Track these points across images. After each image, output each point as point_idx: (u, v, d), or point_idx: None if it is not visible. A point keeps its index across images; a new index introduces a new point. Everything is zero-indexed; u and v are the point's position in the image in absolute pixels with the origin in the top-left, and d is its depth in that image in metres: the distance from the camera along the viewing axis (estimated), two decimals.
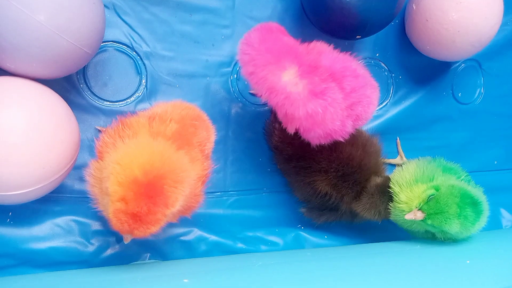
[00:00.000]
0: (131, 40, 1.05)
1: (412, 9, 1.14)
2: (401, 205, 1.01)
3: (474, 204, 0.97)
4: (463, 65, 1.31)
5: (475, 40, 1.08)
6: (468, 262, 0.91)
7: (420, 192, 0.99)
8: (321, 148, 1.01)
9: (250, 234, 1.14)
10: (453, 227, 0.96)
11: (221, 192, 1.13)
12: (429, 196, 0.97)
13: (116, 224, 0.73)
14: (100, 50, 1.03)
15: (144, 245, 1.05)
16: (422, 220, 0.98)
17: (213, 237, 1.10)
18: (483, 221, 0.99)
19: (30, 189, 0.81)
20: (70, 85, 1.01)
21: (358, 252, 1.08)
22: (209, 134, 0.95)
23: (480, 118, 1.34)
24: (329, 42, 0.97)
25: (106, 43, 1.03)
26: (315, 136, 0.91)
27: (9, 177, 0.77)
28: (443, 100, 1.30)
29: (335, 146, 1.01)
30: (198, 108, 0.98)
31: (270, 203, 1.16)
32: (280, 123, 1.06)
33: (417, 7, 1.12)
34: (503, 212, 1.36)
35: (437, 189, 0.98)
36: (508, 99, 1.36)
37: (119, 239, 1.02)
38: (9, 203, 0.83)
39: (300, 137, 1.01)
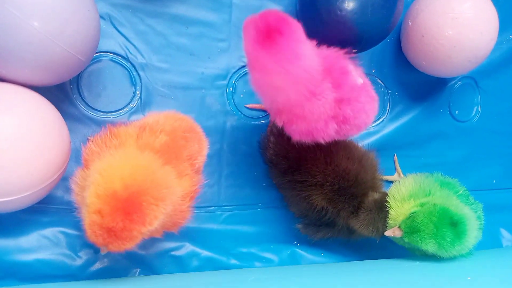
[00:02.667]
0: (127, 51, 1.05)
1: (408, 25, 1.14)
2: (391, 222, 1.00)
3: (454, 224, 0.94)
4: (459, 82, 1.31)
5: (471, 55, 1.08)
6: (469, 278, 0.88)
7: (407, 208, 0.98)
8: (317, 161, 1.00)
9: (244, 250, 1.11)
10: (429, 247, 0.94)
11: (214, 206, 1.10)
12: (411, 214, 0.96)
13: (90, 236, 0.71)
14: (95, 60, 1.02)
15: (134, 260, 1.02)
16: (401, 237, 0.96)
17: (205, 253, 1.07)
18: (468, 242, 0.96)
19: (16, 197, 0.78)
20: (63, 95, 1.00)
21: (356, 268, 1.05)
22: (201, 147, 0.92)
23: (477, 136, 1.32)
24: None
25: (101, 53, 1.03)
26: (297, 130, 0.88)
27: None
28: (440, 117, 1.29)
29: (330, 159, 1.00)
30: (192, 119, 0.97)
31: (265, 218, 1.13)
32: (275, 136, 1.05)
33: (413, 23, 1.12)
34: (503, 232, 1.33)
35: (422, 207, 0.96)
36: (505, 117, 1.35)
37: (97, 250, 0.99)
38: None
39: (295, 150, 1.00)
